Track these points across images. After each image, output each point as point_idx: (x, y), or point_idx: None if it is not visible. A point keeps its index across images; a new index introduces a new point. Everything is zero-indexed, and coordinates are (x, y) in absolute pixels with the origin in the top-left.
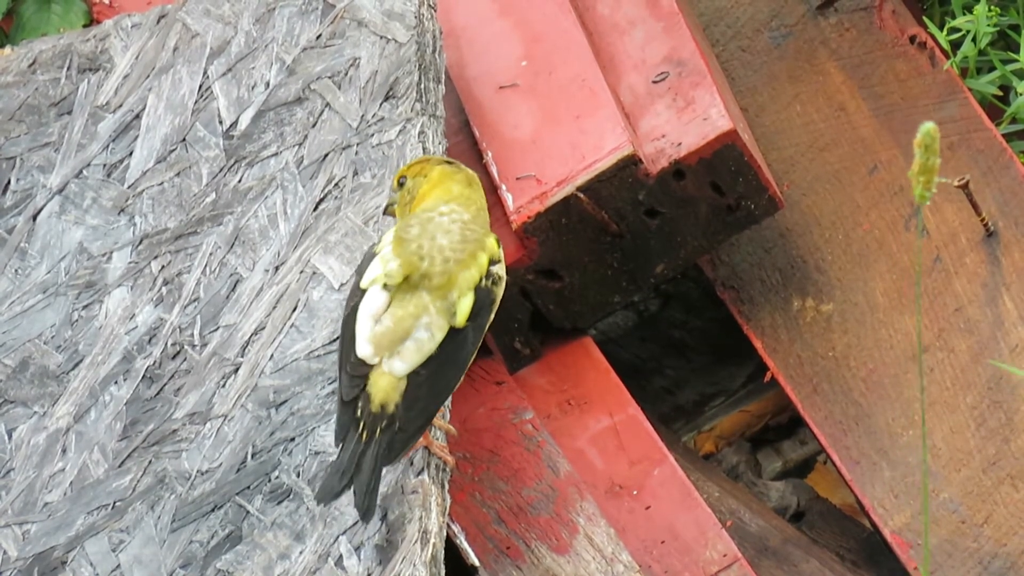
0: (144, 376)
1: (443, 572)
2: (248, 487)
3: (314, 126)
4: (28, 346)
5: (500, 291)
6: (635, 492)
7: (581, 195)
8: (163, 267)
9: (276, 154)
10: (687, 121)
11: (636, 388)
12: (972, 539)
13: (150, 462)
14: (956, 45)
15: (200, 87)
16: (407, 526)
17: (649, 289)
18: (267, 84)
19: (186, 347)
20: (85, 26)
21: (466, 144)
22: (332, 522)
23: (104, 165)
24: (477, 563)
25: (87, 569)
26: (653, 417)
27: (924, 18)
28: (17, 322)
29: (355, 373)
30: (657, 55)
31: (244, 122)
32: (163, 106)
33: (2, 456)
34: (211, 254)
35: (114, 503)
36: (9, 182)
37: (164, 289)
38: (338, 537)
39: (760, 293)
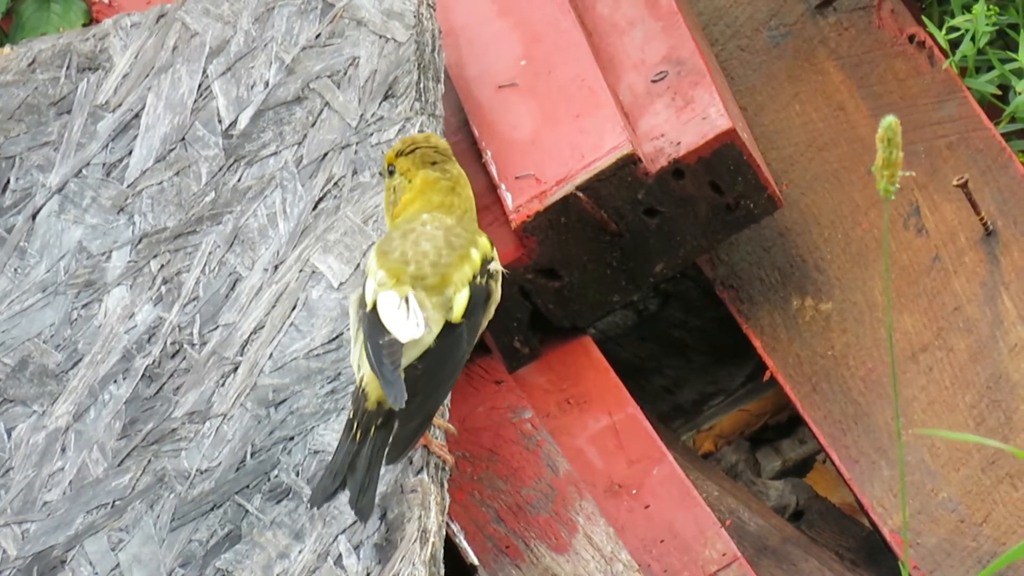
0: (143, 375)
1: (442, 571)
2: (247, 486)
3: (313, 125)
4: (27, 345)
5: (498, 287)
6: (634, 491)
7: (580, 194)
8: (162, 266)
9: (275, 153)
10: (686, 120)
11: (635, 387)
12: (971, 538)
13: (149, 461)
14: (955, 44)
15: (199, 86)
16: (406, 525)
17: (648, 288)
18: (266, 83)
19: (185, 346)
20: (84, 25)
21: (465, 143)
22: (331, 521)
23: (103, 164)
24: (476, 562)
25: (86, 568)
26: (652, 416)
27: (923, 17)
28: (16, 321)
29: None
30: (656, 55)
31: (243, 121)
32: (162, 105)
33: (1, 455)
34: (210, 253)
35: (113, 502)
36: (8, 181)
37: (163, 288)
38: (337, 536)
39: (759, 292)
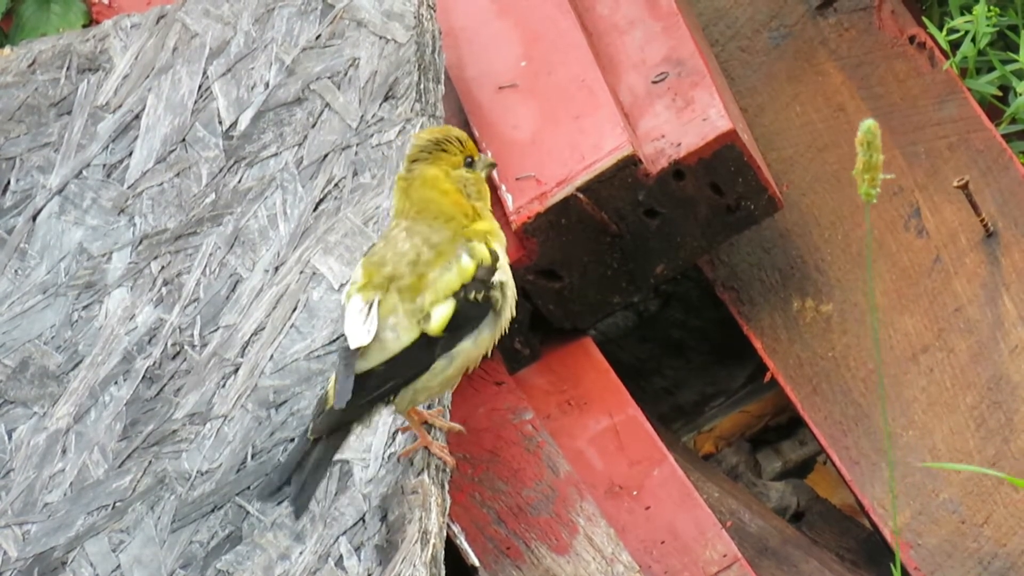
0: (144, 376)
1: (443, 572)
2: (248, 487)
3: (314, 126)
4: (28, 346)
5: (504, 300)
6: (635, 492)
7: (581, 195)
8: (163, 267)
9: (276, 154)
10: (686, 121)
11: (636, 388)
12: (972, 539)
13: (150, 462)
14: (955, 45)
15: (199, 87)
16: (407, 526)
17: (649, 289)
18: (267, 84)
19: (186, 347)
20: (84, 26)
21: None
22: (332, 522)
23: (104, 165)
24: (477, 563)
25: (87, 569)
26: (653, 417)
27: (923, 18)
28: (17, 322)
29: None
30: (656, 55)
31: (244, 122)
32: (163, 106)
33: (2, 456)
34: (211, 254)
35: (114, 503)
36: (9, 182)
37: (164, 289)
38: (338, 538)
39: (760, 293)
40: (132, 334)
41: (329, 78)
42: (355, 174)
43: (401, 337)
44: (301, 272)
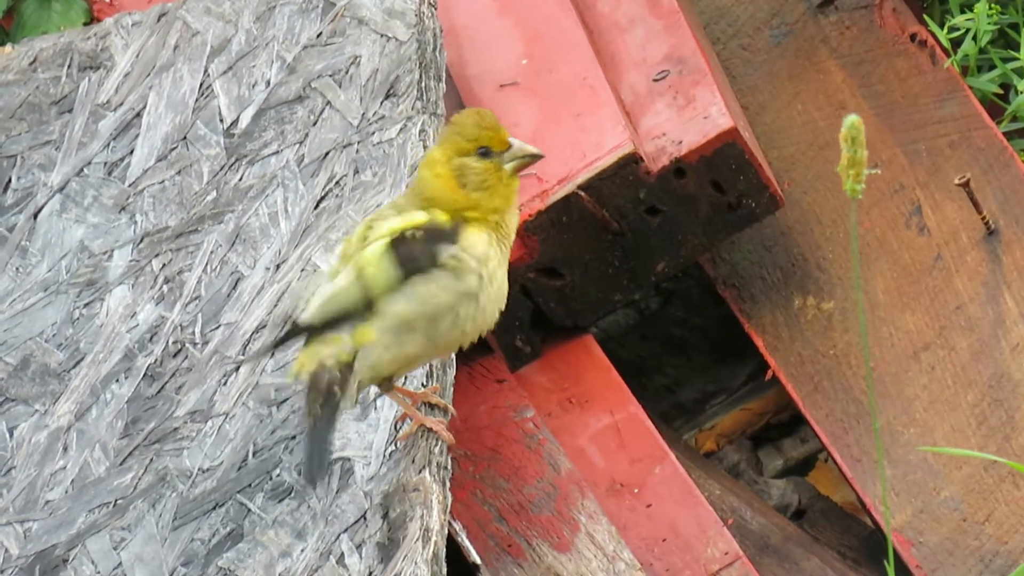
0: (145, 374)
1: (444, 570)
2: (249, 485)
3: (315, 124)
4: (29, 344)
5: (470, 275)
6: (636, 490)
7: (582, 193)
8: (164, 265)
9: (277, 152)
10: (688, 119)
11: (637, 386)
12: (973, 537)
13: (151, 460)
14: (956, 43)
15: (201, 85)
16: (408, 524)
17: (650, 287)
18: (268, 82)
19: (187, 345)
20: (86, 24)
21: None
22: (333, 520)
23: (105, 163)
24: (478, 561)
25: (88, 567)
26: (654, 415)
27: (924, 16)
28: (18, 320)
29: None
30: (658, 53)
31: (245, 120)
32: (164, 104)
33: (3, 454)
34: (212, 252)
35: (115, 501)
36: (10, 180)
37: (165, 287)
38: (339, 535)
39: (761, 291)
40: (133, 332)
41: (330, 76)
42: (356, 172)
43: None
44: (302, 270)
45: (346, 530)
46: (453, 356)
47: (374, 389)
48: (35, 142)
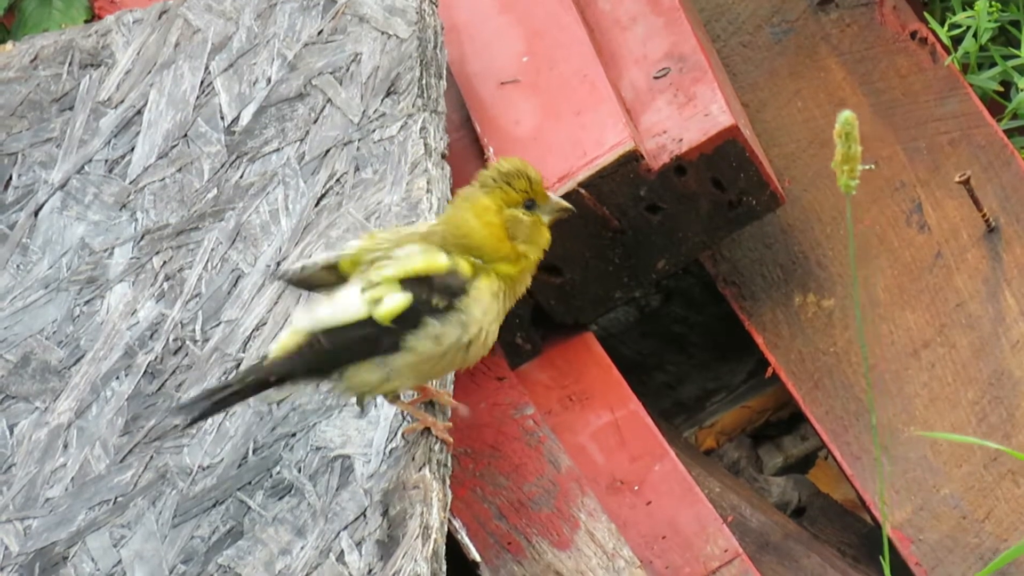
0: (146, 372)
1: (444, 567)
2: (249, 482)
3: (315, 122)
4: (30, 341)
5: (462, 320)
6: (636, 487)
7: (582, 191)
8: (165, 263)
9: (278, 150)
10: (688, 117)
11: (637, 384)
12: (973, 535)
13: (151, 457)
14: (957, 41)
15: (202, 83)
16: (408, 521)
17: (650, 285)
18: (268, 80)
19: (188, 343)
20: (86, 22)
21: (467, 140)
22: (334, 517)
23: (106, 161)
24: (478, 558)
25: (88, 564)
26: (654, 413)
27: (925, 14)
28: (19, 317)
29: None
30: (658, 51)
31: (246, 118)
32: (165, 102)
33: (3, 452)
34: (213, 250)
35: (115, 498)
36: (11, 178)
37: (166, 285)
38: (339, 532)
39: (761, 289)
40: (134, 329)
41: (331, 73)
42: (357, 169)
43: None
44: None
45: (346, 527)
46: None
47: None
48: (36, 139)
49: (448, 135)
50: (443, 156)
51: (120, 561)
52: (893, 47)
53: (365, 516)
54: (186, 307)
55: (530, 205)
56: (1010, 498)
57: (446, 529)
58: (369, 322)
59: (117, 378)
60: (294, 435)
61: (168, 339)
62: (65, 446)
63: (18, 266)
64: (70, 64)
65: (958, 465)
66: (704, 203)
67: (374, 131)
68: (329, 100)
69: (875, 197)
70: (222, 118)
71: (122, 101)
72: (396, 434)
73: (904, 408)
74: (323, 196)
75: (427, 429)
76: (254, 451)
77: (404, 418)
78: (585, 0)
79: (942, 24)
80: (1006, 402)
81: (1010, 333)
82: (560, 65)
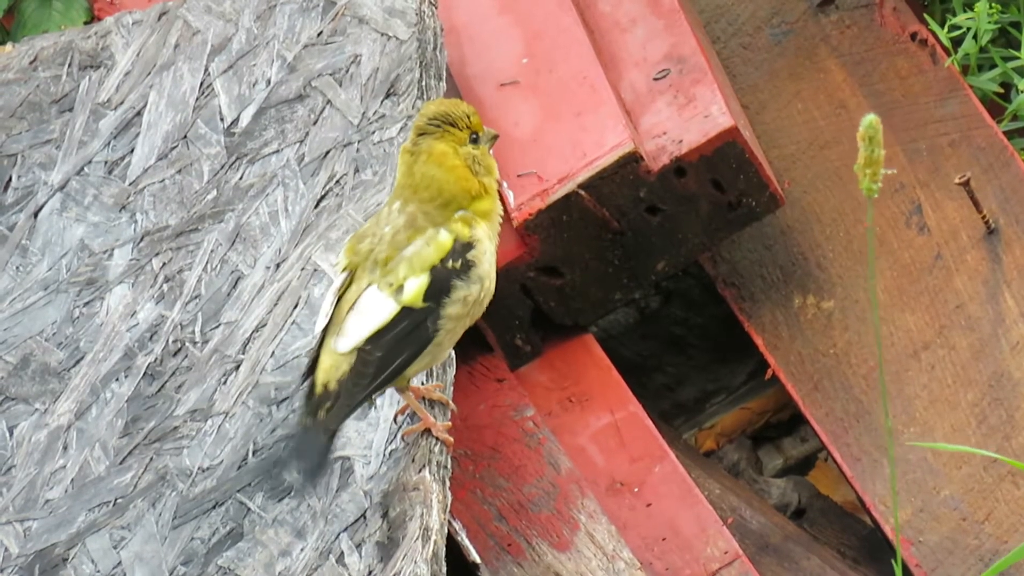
0: (145, 373)
1: (444, 569)
2: (249, 484)
3: (315, 123)
4: (29, 343)
5: (479, 273)
6: (636, 489)
7: (582, 192)
8: (164, 264)
9: (277, 151)
10: (688, 118)
11: (637, 385)
12: (973, 536)
13: (151, 459)
14: (957, 42)
15: (201, 84)
16: (408, 523)
17: (650, 286)
18: (268, 81)
19: (187, 344)
20: (86, 23)
21: None
22: (333, 519)
23: (105, 162)
24: (478, 560)
25: (88, 566)
26: (654, 414)
27: (925, 15)
28: (18, 319)
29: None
30: (658, 52)
31: (245, 119)
32: (164, 103)
33: (3, 453)
34: (212, 251)
35: (115, 500)
36: (10, 179)
37: (165, 286)
38: (339, 534)
39: (761, 290)
40: (133, 331)
41: (331, 75)
42: (356, 171)
43: (380, 311)
44: (302, 269)
45: (346, 529)
46: (453, 355)
47: None
48: (35, 141)
49: None
50: None
51: (120, 563)
52: (893, 48)
53: (365, 518)
54: (186, 309)
55: (475, 139)
56: (1010, 500)
57: (446, 531)
58: (405, 312)
59: (117, 380)
60: (294, 436)
61: (168, 341)
62: (65, 448)
63: (17, 267)
64: (70, 65)
65: (958, 467)
66: (704, 204)
67: (374, 132)
68: (329, 101)
69: (875, 199)
70: (222, 119)
71: (122, 102)
72: (396, 436)
73: (904, 410)
74: (323, 197)
75: (427, 430)
76: (254, 452)
77: (406, 418)
78: (585, 2)
79: (942, 25)
80: (1006, 403)
81: (1010, 335)
82: (560, 67)
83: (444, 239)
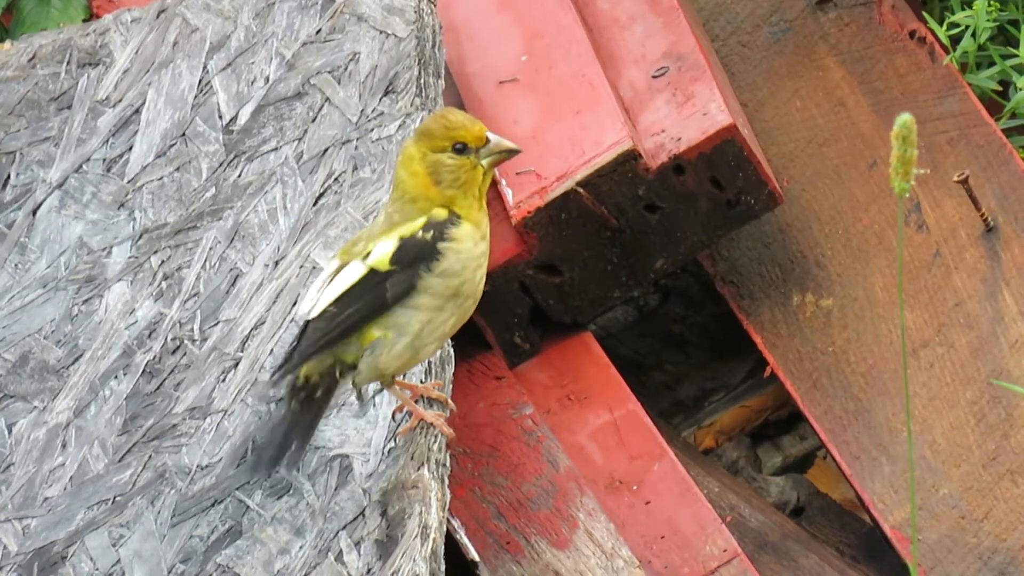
0: (144, 371)
1: (443, 567)
2: (248, 482)
3: (314, 121)
4: (28, 341)
5: (452, 245)
6: (635, 487)
7: (581, 190)
8: (163, 262)
9: (276, 149)
10: (687, 116)
11: (636, 383)
12: (972, 534)
13: (150, 457)
14: (956, 40)
15: (200, 82)
16: (407, 521)
17: (649, 284)
18: (267, 79)
19: (186, 342)
20: (85, 21)
21: None
22: (332, 517)
23: (104, 160)
24: (477, 558)
25: (87, 564)
26: (653, 412)
27: (924, 13)
28: (17, 317)
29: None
30: (657, 50)
31: (244, 117)
32: (163, 101)
33: (2, 451)
34: (211, 249)
35: (114, 498)
36: (9, 176)
37: (164, 284)
38: (338, 532)
39: (760, 288)
40: (132, 328)
41: (329, 72)
42: (355, 168)
43: (349, 277)
44: (301, 266)
45: (344, 527)
46: (452, 353)
47: (373, 385)
48: (34, 138)
49: None
50: None
51: (119, 560)
52: (892, 46)
53: (364, 516)
54: (184, 306)
55: (460, 149)
56: (1009, 498)
57: (445, 529)
58: (371, 274)
59: (115, 377)
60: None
61: (166, 338)
62: (64, 445)
63: (16, 265)
64: (68, 63)
65: (957, 465)
66: (702, 202)
67: (372, 130)
68: (327, 99)
69: (874, 197)
70: (220, 117)
71: (120, 100)
72: (394, 434)
73: (903, 407)
74: (321, 195)
75: (427, 425)
76: (252, 450)
77: (404, 416)
78: (584, 0)
79: (941, 23)
80: (1004, 401)
81: (1008, 333)
82: (559, 64)
83: (417, 222)
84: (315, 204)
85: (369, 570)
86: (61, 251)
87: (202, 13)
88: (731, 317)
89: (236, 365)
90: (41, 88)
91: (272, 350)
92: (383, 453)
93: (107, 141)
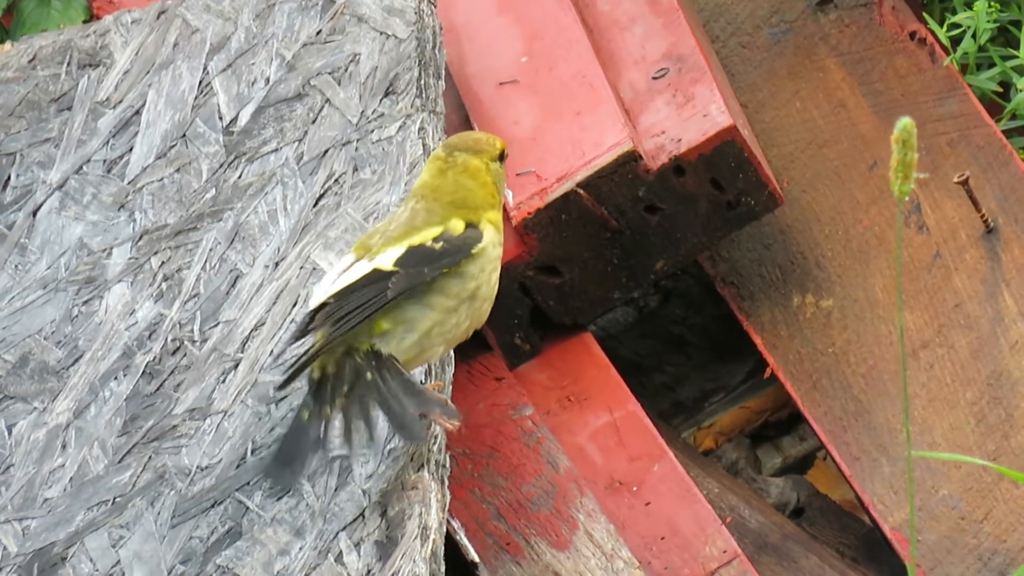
0: (144, 372)
1: (443, 568)
2: (248, 483)
3: (314, 122)
4: (28, 342)
5: (471, 269)
6: (635, 488)
7: (581, 191)
8: (163, 263)
9: (276, 150)
10: (687, 117)
11: (636, 384)
12: (972, 535)
13: (150, 458)
14: (956, 41)
15: (200, 83)
16: (407, 522)
17: (649, 285)
18: (267, 80)
19: (186, 343)
20: (85, 22)
21: None
22: (332, 518)
23: (104, 161)
24: (477, 559)
25: (87, 565)
26: (653, 413)
27: (924, 14)
28: (17, 318)
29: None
30: (657, 51)
31: (244, 118)
32: (163, 102)
33: (2, 452)
34: (211, 250)
35: (114, 499)
36: (9, 178)
37: (164, 285)
38: (338, 533)
39: (760, 289)
40: (132, 329)
41: (330, 74)
42: (355, 170)
43: (355, 273)
44: (301, 267)
45: (344, 528)
46: (452, 354)
47: None
48: (34, 140)
49: (447, 136)
50: None
51: (119, 561)
52: (892, 47)
53: (364, 517)
54: (184, 307)
55: (502, 158)
56: (1009, 499)
57: (444, 530)
58: (374, 273)
59: (115, 378)
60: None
61: (166, 339)
62: (63, 446)
63: (16, 266)
64: (68, 64)
65: (957, 466)
66: (703, 203)
67: (372, 131)
68: (327, 100)
69: (874, 198)
70: (220, 118)
71: (120, 101)
72: (394, 436)
73: (902, 408)
74: (321, 196)
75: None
76: (252, 451)
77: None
78: (584, 1)
79: (941, 24)
80: (1004, 402)
81: (1008, 333)
82: (559, 65)
83: (432, 231)
84: (315, 205)
85: (369, 571)
86: (61, 252)
87: (202, 14)
88: (731, 318)
89: (236, 366)
90: (41, 89)
91: (272, 351)
92: (383, 454)
93: (107, 142)
